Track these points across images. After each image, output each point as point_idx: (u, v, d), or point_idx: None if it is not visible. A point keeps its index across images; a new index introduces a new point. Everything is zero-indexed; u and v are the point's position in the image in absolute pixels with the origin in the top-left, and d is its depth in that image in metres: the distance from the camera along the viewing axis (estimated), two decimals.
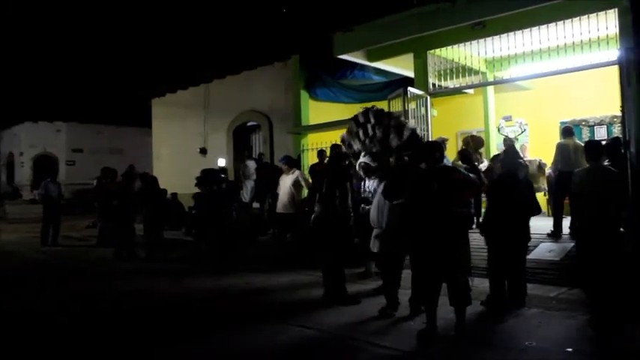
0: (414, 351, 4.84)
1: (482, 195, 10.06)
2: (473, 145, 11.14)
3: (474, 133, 12.01)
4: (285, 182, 10.01)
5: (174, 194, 15.01)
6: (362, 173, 6.76)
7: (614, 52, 8.16)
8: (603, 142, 8.66)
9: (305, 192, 10.33)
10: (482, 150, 11.61)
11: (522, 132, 11.54)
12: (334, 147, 8.31)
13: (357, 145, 6.96)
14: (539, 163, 10.64)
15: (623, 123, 7.78)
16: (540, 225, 8.34)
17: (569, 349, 4.65)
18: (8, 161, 29.95)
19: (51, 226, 13.39)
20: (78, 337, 5.69)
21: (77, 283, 8.87)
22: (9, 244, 14.09)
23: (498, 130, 11.57)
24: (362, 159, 6.65)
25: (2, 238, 15.39)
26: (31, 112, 25.03)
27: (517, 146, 10.76)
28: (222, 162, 13.80)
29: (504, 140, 11.19)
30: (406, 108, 9.70)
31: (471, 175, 5.74)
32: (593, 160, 6.13)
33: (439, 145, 5.64)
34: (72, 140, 27.82)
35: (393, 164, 6.37)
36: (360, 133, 6.86)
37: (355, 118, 7.06)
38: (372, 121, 6.74)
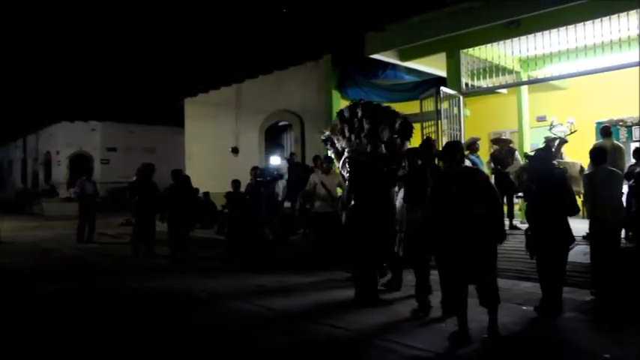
0: (444, 352, 4.81)
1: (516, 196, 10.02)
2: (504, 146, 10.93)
3: (503, 136, 11.72)
4: (329, 181, 9.84)
5: (207, 193, 15.16)
6: (347, 169, 6.75)
7: None
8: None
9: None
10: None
11: (572, 132, 11.08)
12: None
13: (340, 144, 6.91)
14: (581, 166, 10.39)
15: None
16: (576, 227, 8.18)
17: (607, 356, 4.56)
18: (46, 160, 30.61)
19: (87, 223, 13.65)
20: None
21: (101, 279, 9.06)
22: (45, 241, 14.41)
23: (550, 129, 11.20)
24: (346, 154, 6.64)
25: (39, 235, 15.76)
26: (67, 112, 25.52)
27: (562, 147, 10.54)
28: (276, 160, 13.69)
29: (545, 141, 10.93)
30: (439, 108, 9.64)
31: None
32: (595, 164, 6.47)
33: (460, 147, 5.56)
34: (106, 139, 28.34)
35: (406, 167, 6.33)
36: (346, 129, 6.81)
37: (340, 113, 6.99)
38: (360, 114, 6.69)
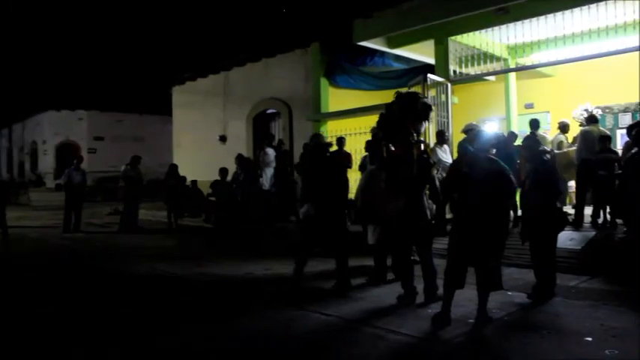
0: (429, 337, 4.85)
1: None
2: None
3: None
4: None
5: (194, 181, 15.10)
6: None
7: (637, 39, 7.99)
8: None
9: None
10: None
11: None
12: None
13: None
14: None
15: None
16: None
17: (589, 339, 4.61)
18: (32, 149, 30.39)
19: (72, 213, 13.54)
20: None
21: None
22: (32, 231, 14.29)
23: (574, 118, 11.20)
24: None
25: (26, 225, 15.62)
26: (53, 101, 25.30)
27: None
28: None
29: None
30: (426, 95, 9.61)
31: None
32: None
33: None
34: (93, 128, 28.15)
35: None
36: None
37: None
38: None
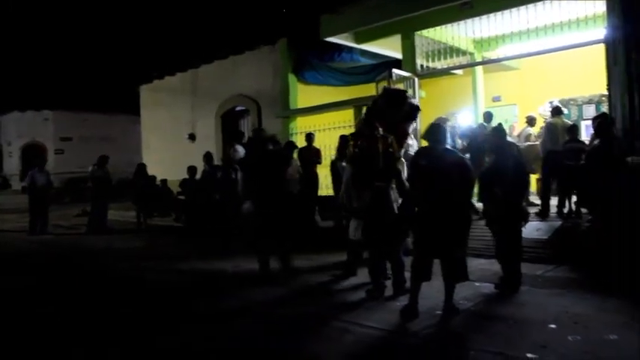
0: (397, 330, 4.88)
1: None
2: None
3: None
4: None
5: (164, 181, 14.95)
6: None
7: (601, 31, 8.11)
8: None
9: None
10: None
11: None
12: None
13: None
14: None
15: (609, 102, 7.81)
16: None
17: (553, 326, 4.67)
18: None
19: (38, 215, 13.27)
20: None
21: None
22: None
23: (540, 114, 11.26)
24: None
25: None
26: (17, 102, 24.78)
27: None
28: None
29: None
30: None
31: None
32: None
33: (442, 129, 5.55)
34: (60, 129, 27.58)
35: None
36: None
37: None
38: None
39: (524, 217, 6.05)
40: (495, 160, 6.21)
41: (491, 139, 6.61)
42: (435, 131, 5.36)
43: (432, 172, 5.07)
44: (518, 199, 6.10)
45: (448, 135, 9.97)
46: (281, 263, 7.13)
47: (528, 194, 9.27)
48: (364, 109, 11.42)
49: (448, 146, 5.46)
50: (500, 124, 6.96)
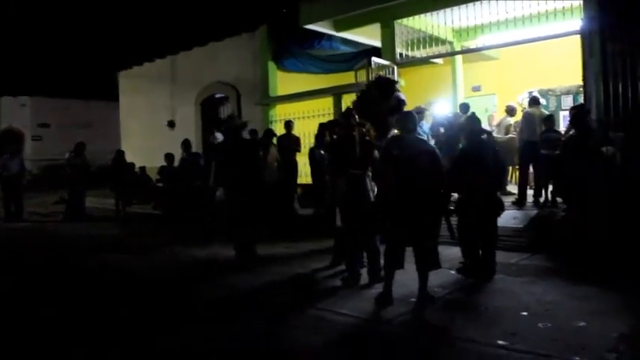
0: (372, 317, 4.92)
1: None
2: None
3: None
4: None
5: (143, 168, 14.83)
6: None
7: (578, 22, 8.16)
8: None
9: None
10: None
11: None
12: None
13: None
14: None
15: (584, 93, 7.89)
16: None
17: (524, 313, 4.73)
18: None
19: (11, 203, 13.11)
20: None
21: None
22: None
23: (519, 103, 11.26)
24: None
25: None
26: None
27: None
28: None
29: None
30: (370, 79, 9.63)
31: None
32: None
33: (414, 117, 5.56)
34: (37, 115, 27.02)
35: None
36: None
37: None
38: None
39: (500, 206, 6.09)
40: (468, 146, 6.24)
41: (464, 126, 6.65)
42: (407, 120, 5.38)
43: (403, 161, 5.08)
44: (494, 187, 6.14)
45: (428, 124, 10.17)
46: (247, 251, 7.16)
47: (506, 183, 9.37)
48: (344, 98, 11.46)
49: (421, 135, 5.49)
50: (473, 113, 6.99)
